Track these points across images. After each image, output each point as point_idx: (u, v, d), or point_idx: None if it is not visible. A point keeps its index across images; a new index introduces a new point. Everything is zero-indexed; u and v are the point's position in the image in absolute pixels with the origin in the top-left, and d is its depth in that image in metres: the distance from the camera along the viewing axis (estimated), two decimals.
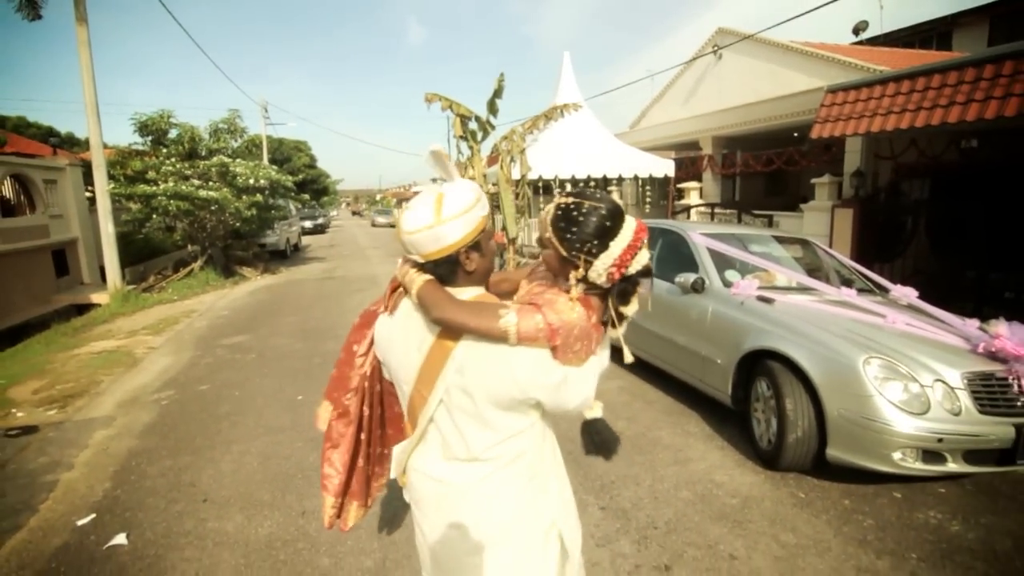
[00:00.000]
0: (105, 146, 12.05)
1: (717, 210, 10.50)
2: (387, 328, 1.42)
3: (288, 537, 2.85)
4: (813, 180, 8.32)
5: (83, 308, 10.18)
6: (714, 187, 12.04)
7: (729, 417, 4.09)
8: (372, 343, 1.60)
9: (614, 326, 1.40)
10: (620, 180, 11.32)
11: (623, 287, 1.33)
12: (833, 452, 3.09)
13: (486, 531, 1.32)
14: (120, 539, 2.89)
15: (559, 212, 1.30)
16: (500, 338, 1.21)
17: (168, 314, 9.13)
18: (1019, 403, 2.97)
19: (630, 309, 1.37)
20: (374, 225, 38.56)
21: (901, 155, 8.24)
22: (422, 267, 1.31)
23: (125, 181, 11.23)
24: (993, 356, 3.04)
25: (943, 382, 2.94)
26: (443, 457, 1.34)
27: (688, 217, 10.95)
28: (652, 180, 11.43)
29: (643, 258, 1.32)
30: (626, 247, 1.28)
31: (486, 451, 1.30)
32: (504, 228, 10.45)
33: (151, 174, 11.33)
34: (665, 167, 10.85)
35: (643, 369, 5.22)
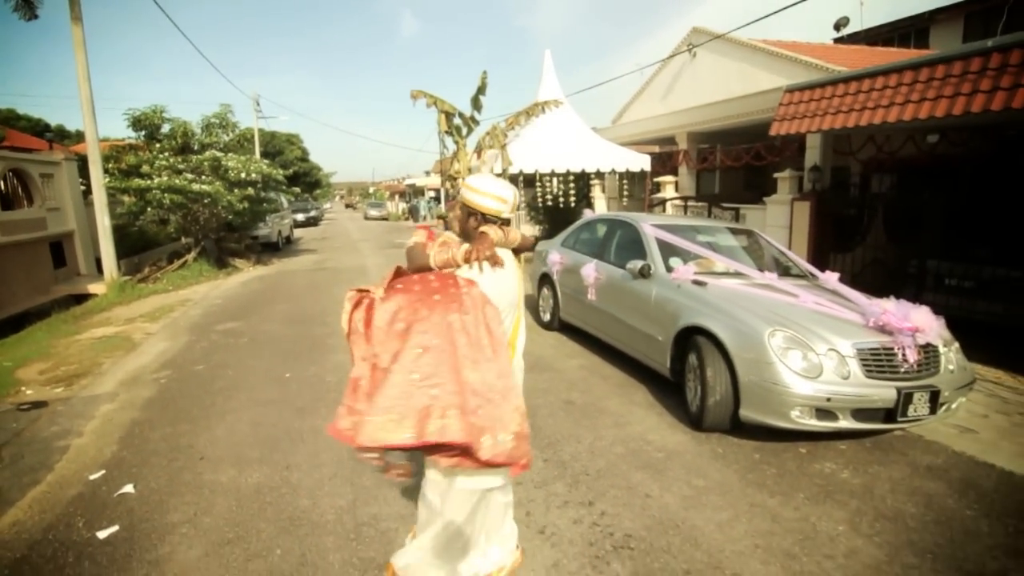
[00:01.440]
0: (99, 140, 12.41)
1: (690, 203, 10.99)
2: (488, 280, 1.99)
3: (273, 485, 3.32)
4: (775, 175, 8.80)
5: (81, 298, 10.55)
6: (689, 181, 12.52)
7: (671, 389, 4.58)
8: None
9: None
10: (599, 174, 11.77)
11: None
12: (744, 412, 3.59)
13: None
14: (128, 488, 3.35)
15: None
16: None
17: (163, 303, 9.55)
18: (902, 370, 3.47)
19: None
20: (367, 218, 38.83)
21: (859, 151, 8.73)
22: (501, 223, 2.12)
23: (120, 175, 11.59)
24: (882, 329, 3.53)
25: (836, 351, 3.43)
26: None
27: (664, 209, 11.43)
28: (630, 174, 11.89)
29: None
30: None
31: None
32: None
33: (145, 168, 11.69)
34: (642, 162, 11.31)
35: (603, 349, 5.72)
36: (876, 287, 5.37)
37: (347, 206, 72.68)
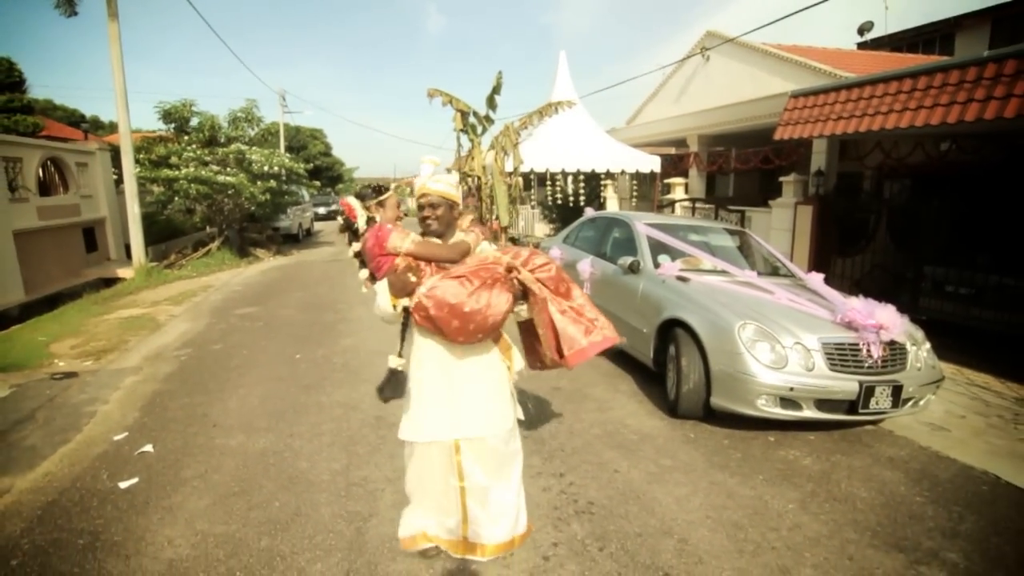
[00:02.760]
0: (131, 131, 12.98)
1: (698, 205, 11.14)
2: None
3: (277, 450, 3.65)
4: (781, 178, 8.93)
5: (110, 281, 11.11)
6: (699, 183, 12.66)
7: (655, 380, 4.81)
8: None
9: None
10: (609, 174, 11.98)
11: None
12: (715, 400, 3.82)
13: None
14: (148, 448, 3.71)
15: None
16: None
17: (187, 288, 10.04)
18: (866, 364, 3.67)
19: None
20: None
21: (867, 157, 8.82)
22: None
23: (150, 165, 12.15)
24: (849, 325, 3.73)
25: (802, 344, 3.65)
26: None
27: (672, 210, 11.60)
28: (640, 175, 12.07)
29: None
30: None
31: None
32: (497, 217, 11.19)
33: (174, 159, 12.23)
34: (651, 163, 11.49)
35: None
36: (879, 292, 5.53)
37: None
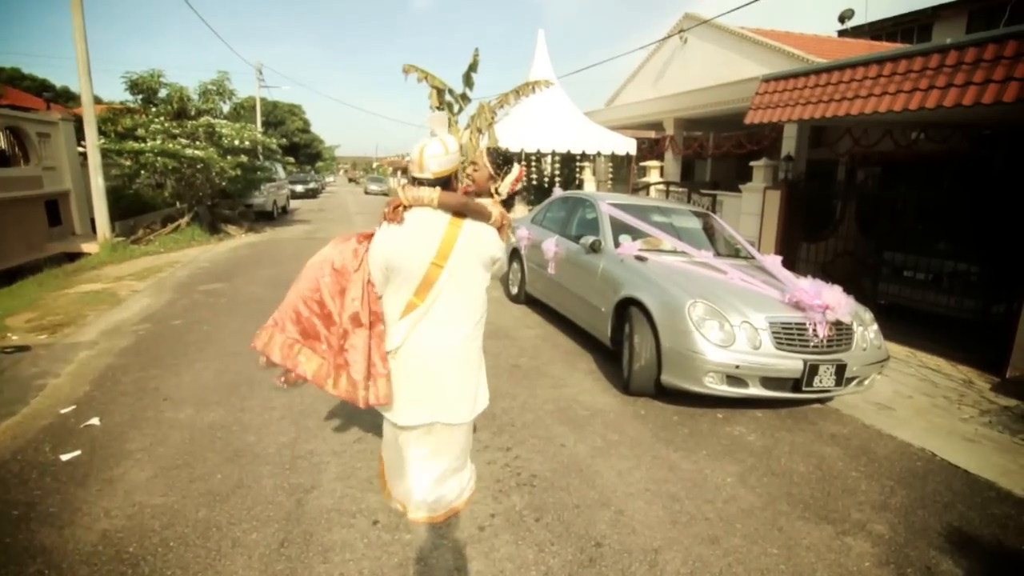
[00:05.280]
0: (98, 102, 12.59)
1: (672, 188, 11.19)
2: (394, 234, 2.32)
3: (226, 424, 3.62)
4: (751, 163, 8.99)
5: (74, 256, 10.83)
6: (675, 166, 12.70)
7: (613, 359, 4.85)
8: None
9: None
10: (586, 156, 11.96)
11: (508, 200, 2.57)
12: (665, 377, 3.88)
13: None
14: (94, 421, 3.66)
15: (491, 152, 2.54)
16: (486, 218, 2.36)
17: (153, 264, 9.85)
18: (811, 344, 3.74)
19: (510, 212, 2.58)
20: (367, 192, 38.96)
21: (836, 143, 8.91)
22: (431, 184, 2.29)
23: (115, 137, 11.80)
24: (796, 305, 3.80)
25: (749, 323, 3.70)
26: (448, 324, 2.38)
27: (647, 193, 11.63)
28: (617, 158, 12.07)
29: (517, 186, 2.57)
30: (515, 177, 2.52)
31: (475, 326, 2.45)
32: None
33: (140, 131, 11.89)
34: (627, 146, 11.49)
35: (560, 321, 6.00)
36: (844, 277, 5.61)
37: (350, 180, 72.56)
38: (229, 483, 2.92)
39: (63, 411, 3.83)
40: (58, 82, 32.22)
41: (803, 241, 8.60)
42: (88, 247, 10.99)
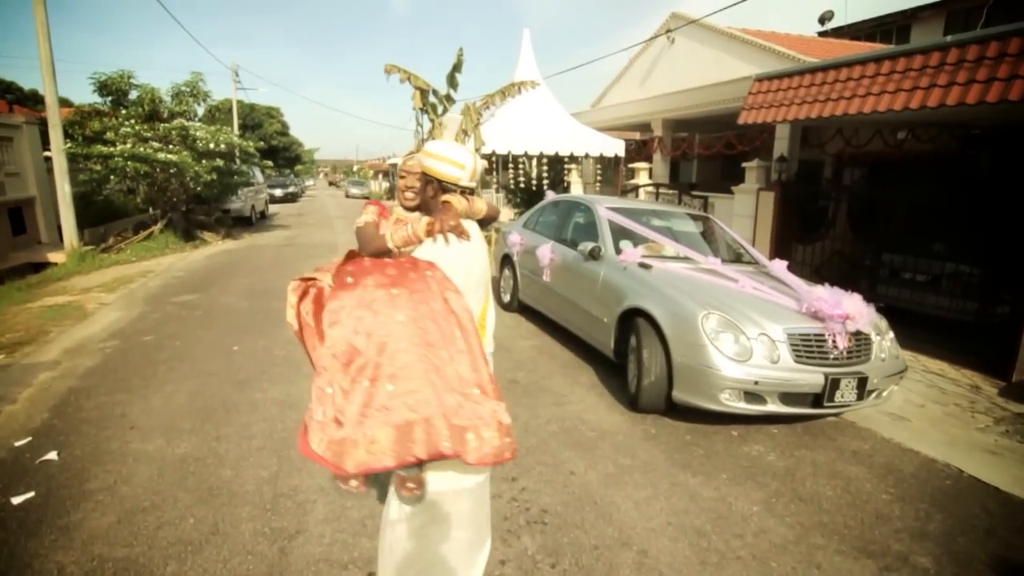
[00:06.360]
0: (64, 104, 12.04)
1: (662, 190, 11.00)
2: (465, 250, 1.89)
3: (199, 455, 3.28)
4: (743, 164, 8.83)
5: (40, 266, 10.28)
6: (663, 168, 12.53)
7: (616, 371, 4.60)
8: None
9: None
10: (573, 158, 11.72)
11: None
12: (677, 394, 3.62)
13: None
14: (51, 455, 3.29)
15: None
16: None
17: (124, 274, 9.37)
18: (831, 356, 3.52)
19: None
20: (348, 196, 38.40)
21: (828, 143, 8.80)
22: (464, 192, 1.95)
23: (83, 141, 11.27)
24: (815, 315, 3.57)
25: (767, 335, 3.47)
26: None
27: (636, 195, 11.44)
28: (605, 159, 11.85)
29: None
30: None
31: None
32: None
33: (109, 135, 11.38)
34: (615, 147, 11.27)
35: (557, 331, 5.73)
36: (837, 279, 5.42)
37: (330, 184, 71.65)
38: (203, 529, 2.59)
39: (17, 444, 3.46)
40: (27, 84, 31.07)
41: (796, 242, 8.47)
42: (55, 257, 10.45)
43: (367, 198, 37.47)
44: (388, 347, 1.64)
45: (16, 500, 2.84)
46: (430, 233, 1.80)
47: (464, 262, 1.89)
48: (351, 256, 1.92)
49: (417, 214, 2.11)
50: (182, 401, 4.07)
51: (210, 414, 3.84)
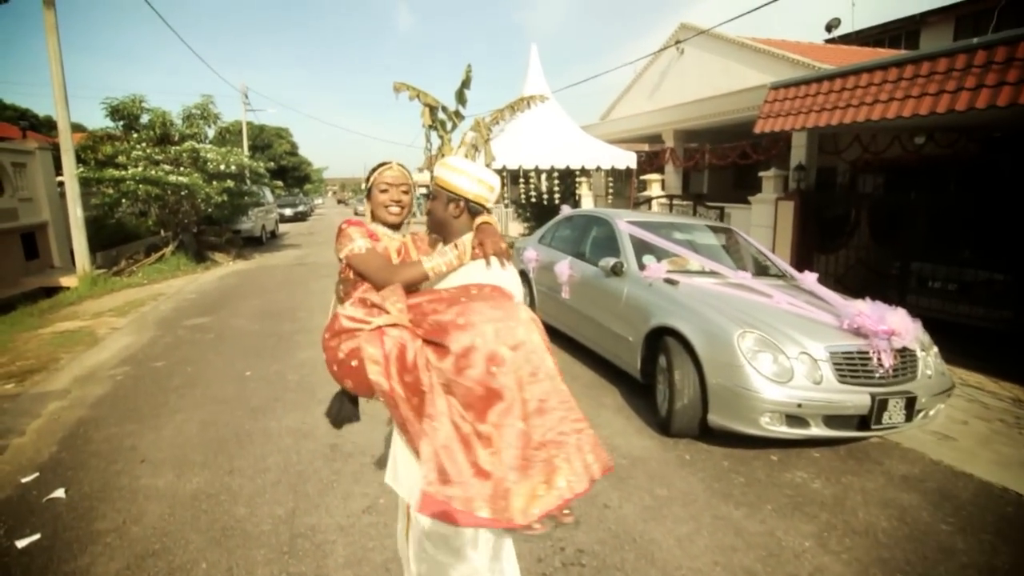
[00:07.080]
0: (78, 129, 12.11)
1: (676, 202, 10.84)
2: (506, 276, 1.72)
3: (212, 491, 3.12)
4: (760, 173, 8.66)
5: (52, 291, 10.26)
6: (676, 179, 12.37)
7: (642, 392, 4.41)
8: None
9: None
10: (584, 171, 11.60)
11: None
12: (713, 418, 3.43)
13: None
14: (59, 493, 3.14)
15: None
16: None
17: (135, 297, 9.30)
18: (877, 375, 3.31)
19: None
20: (356, 214, 38.56)
21: (846, 151, 8.61)
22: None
23: (95, 165, 11.31)
24: (857, 332, 3.37)
25: (808, 354, 3.27)
26: None
27: (649, 207, 11.28)
28: (616, 172, 11.73)
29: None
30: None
31: None
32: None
33: (121, 159, 11.41)
34: (627, 159, 11.15)
35: (577, 349, 5.55)
36: (860, 288, 5.23)
37: (339, 202, 72.10)
38: (215, 575, 2.43)
39: (24, 480, 3.32)
40: (41, 111, 31.52)
41: (817, 252, 8.26)
42: (67, 281, 10.42)
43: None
44: (539, 374, 1.60)
45: (21, 543, 2.69)
46: (477, 256, 1.67)
47: (518, 284, 1.77)
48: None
49: (420, 232, 1.98)
50: (194, 431, 3.93)
51: (223, 445, 3.69)
